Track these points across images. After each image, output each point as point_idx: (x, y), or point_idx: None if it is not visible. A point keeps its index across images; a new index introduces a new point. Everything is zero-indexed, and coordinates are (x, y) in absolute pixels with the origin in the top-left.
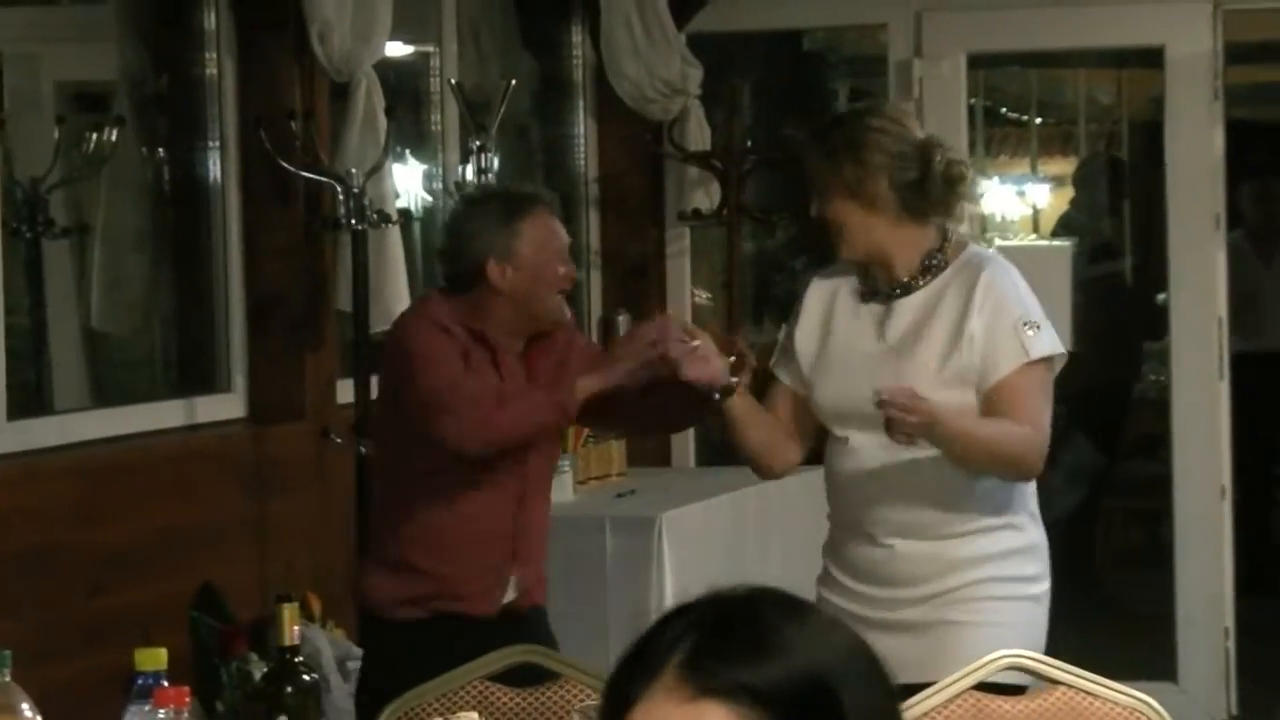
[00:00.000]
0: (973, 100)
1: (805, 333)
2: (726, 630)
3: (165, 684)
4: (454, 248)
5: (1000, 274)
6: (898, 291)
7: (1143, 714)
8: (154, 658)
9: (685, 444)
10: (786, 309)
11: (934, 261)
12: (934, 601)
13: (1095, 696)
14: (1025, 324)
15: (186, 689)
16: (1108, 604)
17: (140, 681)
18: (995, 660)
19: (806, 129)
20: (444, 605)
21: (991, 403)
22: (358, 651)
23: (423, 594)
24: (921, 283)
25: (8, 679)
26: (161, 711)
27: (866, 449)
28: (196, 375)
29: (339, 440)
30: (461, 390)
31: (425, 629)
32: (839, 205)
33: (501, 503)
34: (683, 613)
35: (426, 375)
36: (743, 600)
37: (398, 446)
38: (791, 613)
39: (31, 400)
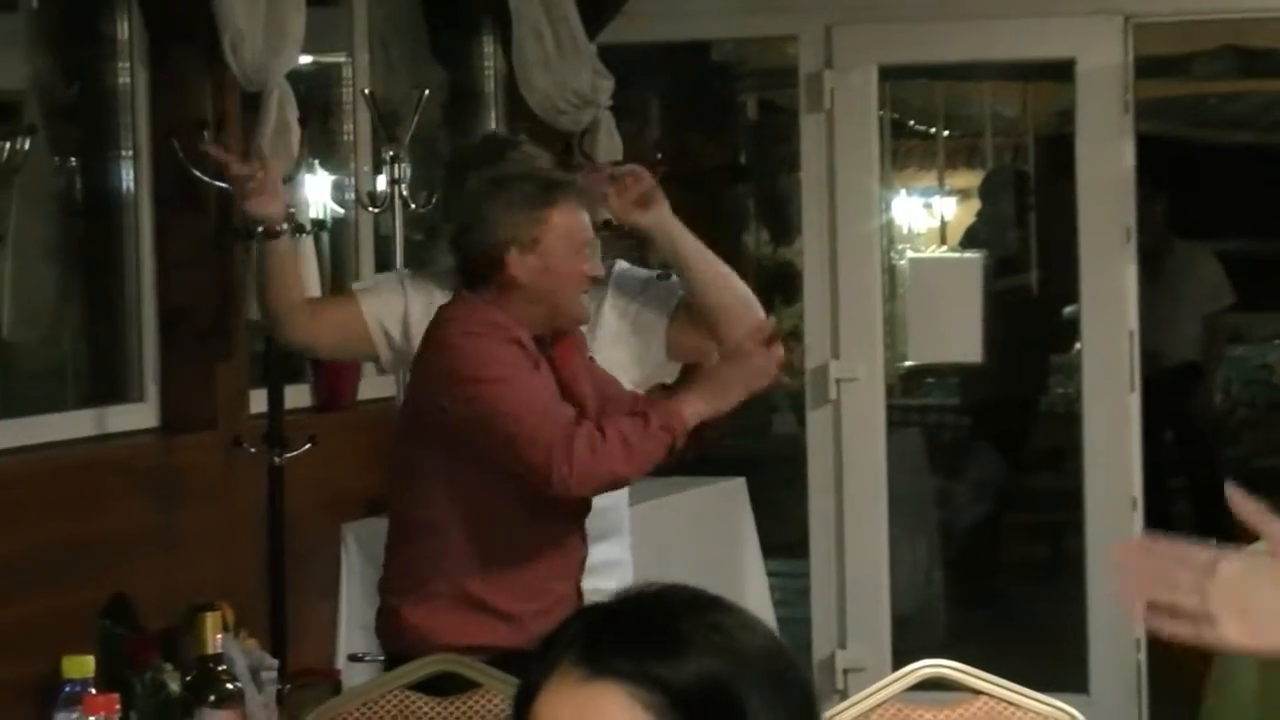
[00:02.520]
0: (880, 113)
1: None
2: (627, 621)
3: (93, 691)
4: (470, 232)
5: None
6: None
7: None
8: (81, 665)
9: None
10: None
11: None
12: None
13: (1016, 706)
14: (654, 277)
15: (115, 696)
16: (1011, 617)
17: (68, 689)
18: (916, 670)
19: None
20: (514, 645)
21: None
22: (272, 661)
23: (499, 638)
24: None
25: None
26: (91, 718)
27: None
28: (107, 385)
29: (251, 450)
30: (560, 426)
31: None
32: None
33: (573, 536)
34: (590, 609)
35: (511, 404)
36: (648, 595)
37: (456, 474)
38: (699, 609)
39: None
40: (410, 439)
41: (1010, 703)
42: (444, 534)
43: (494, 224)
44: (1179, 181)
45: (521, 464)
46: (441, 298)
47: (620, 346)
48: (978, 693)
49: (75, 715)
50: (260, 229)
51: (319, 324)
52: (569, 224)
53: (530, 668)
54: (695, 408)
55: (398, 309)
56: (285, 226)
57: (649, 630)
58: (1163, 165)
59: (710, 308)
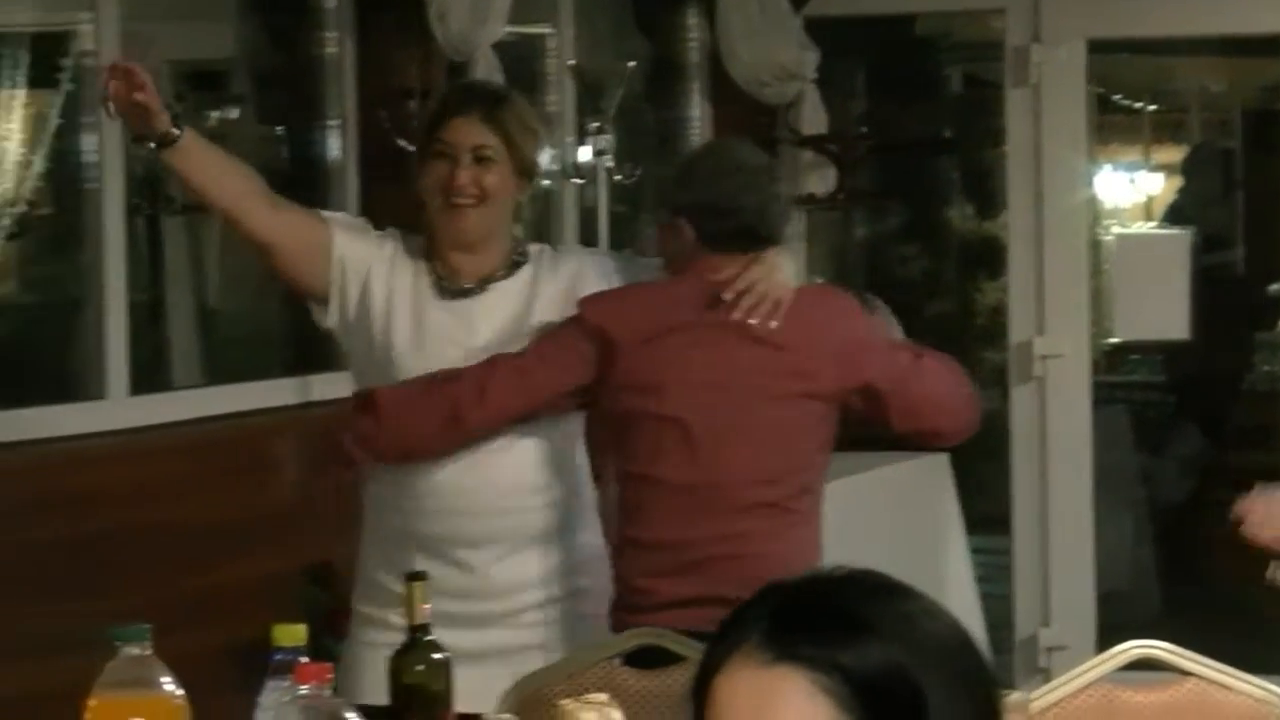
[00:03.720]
0: (1086, 87)
1: (401, 310)
2: (813, 605)
3: (304, 660)
4: (768, 208)
5: (576, 246)
6: (481, 287)
7: (1277, 707)
8: (293, 633)
9: None
10: (901, 292)
11: (518, 256)
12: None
13: (1227, 689)
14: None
15: (329, 665)
16: (1215, 596)
17: (279, 657)
18: (1125, 650)
19: (459, 86)
20: None
21: None
22: None
23: None
24: (501, 274)
25: (148, 652)
26: (303, 687)
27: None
28: (311, 353)
29: None
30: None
31: None
32: (503, 173)
33: None
34: (775, 589)
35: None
36: (835, 579)
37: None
38: (885, 596)
39: (150, 376)
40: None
41: (1221, 684)
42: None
43: (780, 203)
44: None
45: (942, 422)
46: (410, 273)
47: None
48: (1186, 673)
49: (286, 683)
50: (153, 143)
51: (281, 220)
52: None
53: (712, 646)
54: None
55: (364, 265)
56: (176, 129)
57: (835, 616)
58: None
59: None
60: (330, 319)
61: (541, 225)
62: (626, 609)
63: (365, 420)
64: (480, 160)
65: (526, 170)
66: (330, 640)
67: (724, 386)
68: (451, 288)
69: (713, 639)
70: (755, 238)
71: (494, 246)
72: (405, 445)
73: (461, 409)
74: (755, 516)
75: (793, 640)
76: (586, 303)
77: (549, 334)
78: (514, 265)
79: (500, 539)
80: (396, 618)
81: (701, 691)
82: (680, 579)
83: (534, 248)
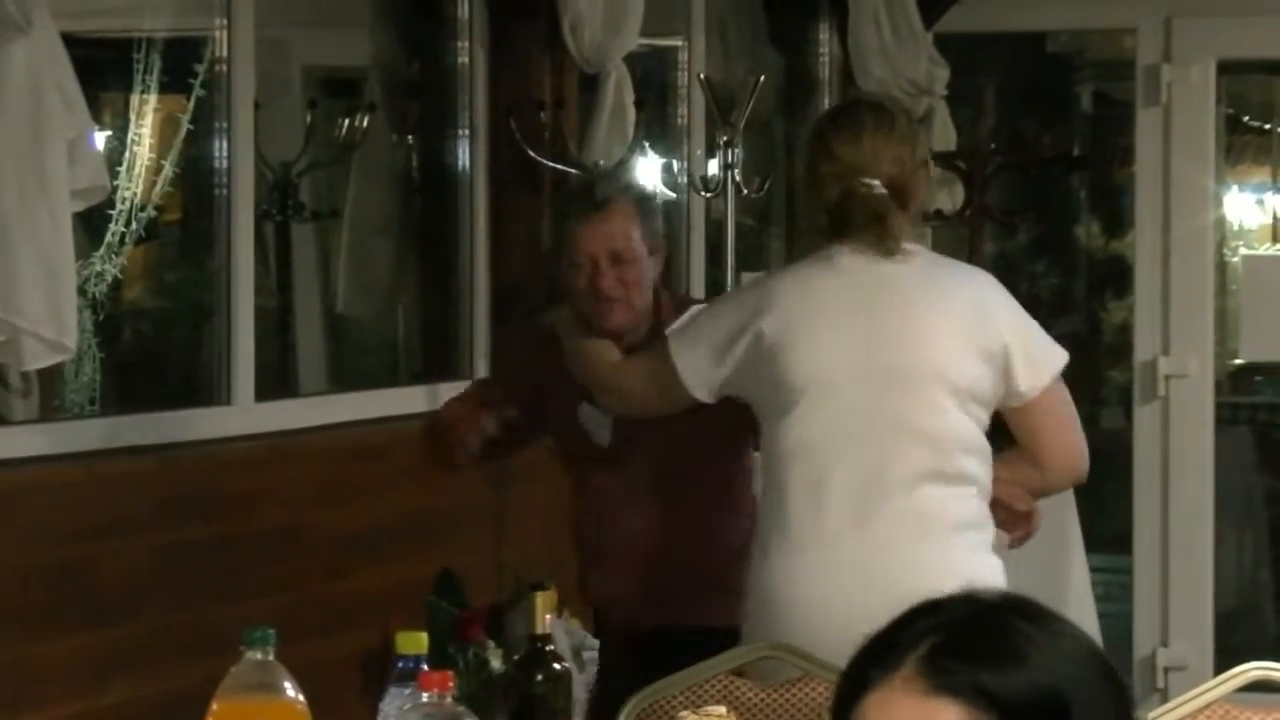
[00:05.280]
0: (1215, 107)
1: None
2: (973, 631)
3: (426, 667)
4: None
5: None
6: None
7: None
8: (415, 641)
9: None
10: (1028, 310)
11: None
12: None
13: None
14: None
15: (449, 674)
16: None
17: (401, 665)
18: (1245, 671)
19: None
20: None
21: None
22: (593, 642)
23: None
24: None
25: (271, 658)
26: (425, 695)
27: None
28: (439, 361)
29: None
30: None
31: None
32: None
33: None
34: (933, 608)
35: None
36: (993, 604)
37: None
38: (1038, 623)
39: (276, 383)
40: None
41: None
42: None
43: None
44: None
45: None
46: None
47: None
48: None
49: (409, 691)
50: None
51: None
52: None
53: (865, 662)
54: None
55: None
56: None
57: (996, 649)
58: None
59: None
60: None
61: (669, 239)
62: None
63: None
64: None
65: None
66: (452, 648)
67: None
68: None
69: (862, 656)
70: None
71: None
72: None
73: None
74: None
75: (951, 670)
76: None
77: None
78: None
79: None
80: None
81: (848, 706)
82: None
83: None
